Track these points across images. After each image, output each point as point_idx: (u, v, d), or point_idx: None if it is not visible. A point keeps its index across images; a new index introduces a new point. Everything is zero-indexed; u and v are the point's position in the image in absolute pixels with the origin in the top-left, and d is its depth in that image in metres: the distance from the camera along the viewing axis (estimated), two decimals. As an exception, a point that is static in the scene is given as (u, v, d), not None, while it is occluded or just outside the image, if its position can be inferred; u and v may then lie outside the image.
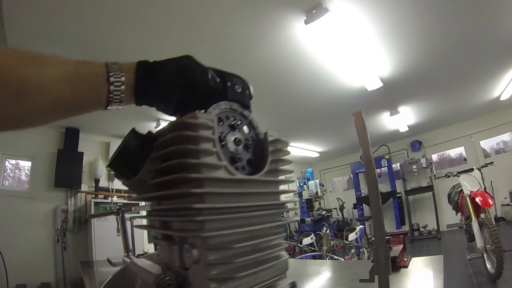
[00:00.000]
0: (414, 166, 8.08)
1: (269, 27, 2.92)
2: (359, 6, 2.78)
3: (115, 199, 4.92)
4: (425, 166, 8.02)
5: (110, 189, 5.11)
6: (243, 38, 3.04)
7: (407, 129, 7.50)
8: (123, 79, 0.49)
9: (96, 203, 4.57)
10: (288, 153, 0.60)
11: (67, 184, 4.62)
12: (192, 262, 0.38)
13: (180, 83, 0.51)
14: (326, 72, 3.91)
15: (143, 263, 0.52)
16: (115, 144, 5.24)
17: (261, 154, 0.55)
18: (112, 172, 0.53)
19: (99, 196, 4.84)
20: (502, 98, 6.32)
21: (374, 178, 0.71)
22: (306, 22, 2.78)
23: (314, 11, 2.67)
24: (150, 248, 4.32)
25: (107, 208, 4.62)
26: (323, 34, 3.00)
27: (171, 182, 0.42)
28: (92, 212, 4.44)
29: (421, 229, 7.61)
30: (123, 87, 0.49)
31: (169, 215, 0.45)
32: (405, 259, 1.50)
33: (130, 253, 1.19)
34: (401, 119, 6.66)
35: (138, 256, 2.81)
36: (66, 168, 4.56)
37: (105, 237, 4.17)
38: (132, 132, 0.48)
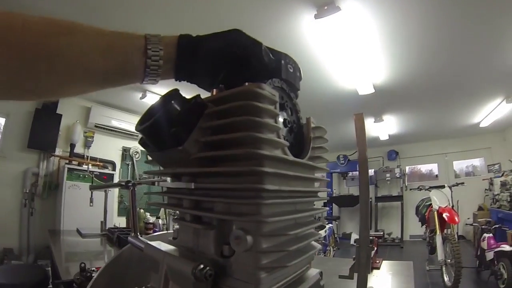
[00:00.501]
0: (388, 175, 8.31)
1: (278, 15, 2.86)
2: (371, 10, 2.78)
3: (90, 167, 4.75)
4: (398, 176, 8.28)
5: (85, 156, 4.93)
6: (248, 23, 2.97)
7: (387, 138, 7.67)
8: (161, 53, 0.47)
9: (69, 169, 4.39)
10: (327, 141, 0.59)
11: (41, 146, 4.38)
12: (244, 249, 0.35)
13: (230, 58, 0.48)
14: (324, 70, 3.90)
15: (165, 248, 0.48)
16: (97, 110, 5.00)
17: (301, 139, 0.53)
18: (141, 138, 0.46)
19: (73, 162, 4.65)
20: (481, 125, 6.60)
21: (366, 180, 0.71)
22: (316, 17, 2.74)
23: (326, 8, 2.64)
24: (120, 221, 4.23)
25: (81, 175, 4.47)
26: (329, 32, 2.98)
27: (222, 157, 0.39)
28: (65, 178, 4.26)
29: (386, 236, 7.88)
30: (161, 61, 0.47)
31: (210, 195, 0.40)
32: (377, 261, 1.56)
33: (138, 234, 1.09)
34: (384, 127, 6.79)
35: (111, 229, 2.75)
36: (41, 129, 4.32)
37: (75, 206, 4.03)
38: (177, 95, 0.44)
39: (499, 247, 3.73)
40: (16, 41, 0.38)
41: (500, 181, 6.04)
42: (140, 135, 0.45)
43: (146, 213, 3.24)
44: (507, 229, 4.64)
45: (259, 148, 0.36)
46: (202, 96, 0.45)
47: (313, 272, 0.49)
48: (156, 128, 0.39)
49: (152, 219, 3.04)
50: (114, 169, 5.34)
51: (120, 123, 5.31)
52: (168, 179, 0.56)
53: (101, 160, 5.13)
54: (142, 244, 0.53)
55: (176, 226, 0.51)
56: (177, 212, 0.49)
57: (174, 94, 0.43)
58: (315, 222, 0.51)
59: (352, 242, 7.59)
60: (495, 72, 4.10)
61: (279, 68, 0.51)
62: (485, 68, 4.00)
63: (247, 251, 0.35)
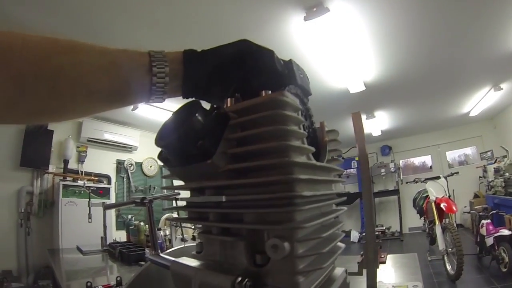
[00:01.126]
0: (383, 170, 8.39)
1: (267, 18, 2.88)
2: (360, 10, 2.83)
3: (84, 182, 4.68)
4: (393, 170, 8.36)
5: (79, 172, 4.87)
6: (238, 25, 2.98)
7: (380, 133, 7.75)
8: (167, 69, 0.45)
9: (65, 186, 4.33)
10: (340, 143, 0.59)
11: (33, 164, 4.32)
12: (282, 256, 0.35)
13: (241, 68, 0.47)
14: (314, 70, 3.92)
15: (193, 263, 0.47)
16: (88, 124, 4.93)
17: (316, 143, 0.53)
18: (160, 152, 0.45)
19: (68, 178, 4.59)
20: (471, 114, 6.73)
21: (368, 177, 0.72)
22: (306, 19, 2.77)
23: (315, 9, 2.67)
24: (119, 235, 4.17)
25: (76, 191, 4.41)
26: (319, 33, 3.01)
27: (250, 168, 0.39)
28: (60, 195, 4.20)
29: (385, 230, 7.94)
30: (167, 78, 0.46)
31: (240, 206, 0.40)
32: (382, 256, 1.57)
33: (159, 251, 1.06)
34: (376, 123, 6.85)
35: (112, 244, 2.71)
36: (33, 147, 4.26)
37: (73, 222, 3.98)
38: (198, 106, 0.43)
39: (498, 232, 3.80)
40: (15, 61, 0.37)
41: (494, 168, 6.13)
42: (159, 150, 0.44)
43: (146, 225, 3.21)
44: (504, 213, 4.72)
45: (289, 156, 0.36)
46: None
47: (339, 271, 0.50)
48: (181, 143, 0.38)
49: (153, 231, 3.02)
50: (109, 183, 5.29)
51: (113, 136, 5.26)
52: (180, 192, 0.55)
53: (96, 175, 5.07)
54: (167, 262, 0.52)
55: (198, 240, 0.50)
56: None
57: (195, 105, 0.42)
58: (338, 223, 0.51)
59: (352, 239, 7.63)
60: (482, 61, 4.18)
61: (292, 75, 0.51)
62: (472, 58, 4.08)
63: (284, 258, 0.35)
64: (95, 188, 4.59)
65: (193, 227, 2.76)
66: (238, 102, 0.46)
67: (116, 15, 2.67)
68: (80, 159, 4.92)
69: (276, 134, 0.37)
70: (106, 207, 2.13)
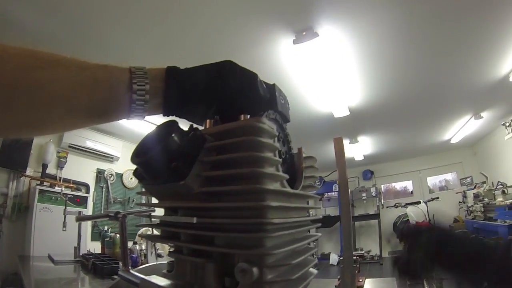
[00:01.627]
0: (364, 194, 8.47)
1: (258, 38, 2.92)
2: (348, 37, 2.91)
3: (61, 189, 4.54)
4: (374, 195, 8.45)
5: (57, 178, 4.73)
6: (228, 44, 3.01)
7: (363, 158, 7.85)
8: (147, 87, 0.44)
9: (41, 191, 4.18)
10: (317, 170, 0.60)
11: (11, 165, 4.14)
12: (250, 281, 0.35)
13: (224, 90, 0.47)
14: (300, 93, 3.98)
15: (162, 282, 0.46)
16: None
17: (292, 169, 0.53)
18: (136, 169, 0.44)
19: (45, 183, 4.45)
20: (452, 141, 6.93)
21: (347, 201, 0.73)
22: (295, 42, 2.82)
23: (304, 33, 2.72)
24: (93, 247, 4.03)
25: (53, 197, 4.27)
26: (307, 57, 3.06)
27: (226, 192, 0.39)
28: (36, 200, 4.05)
29: (365, 254, 7.94)
30: (147, 96, 0.45)
31: (212, 229, 0.39)
32: (360, 280, 1.57)
33: (129, 267, 1.02)
34: (359, 148, 6.95)
35: (86, 256, 2.62)
36: (12, 147, 4.08)
37: (47, 230, 3.82)
38: (176, 127, 0.41)
39: None
40: None
41: (473, 193, 6.28)
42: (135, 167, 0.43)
43: (122, 237, 3.13)
44: (484, 238, 4.77)
45: (262, 183, 0.37)
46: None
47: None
48: (155, 162, 0.38)
49: (129, 245, 2.92)
50: (87, 192, 5.13)
51: (95, 144, 5.16)
52: (156, 209, 0.54)
53: (75, 182, 4.93)
54: (137, 279, 0.50)
55: (169, 258, 0.49)
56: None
57: (172, 126, 0.41)
58: (311, 249, 0.51)
59: (331, 262, 7.61)
60: (464, 90, 4.34)
61: (273, 100, 0.51)
62: (455, 87, 4.23)
63: (253, 283, 0.35)
64: (72, 196, 4.44)
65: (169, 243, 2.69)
66: (217, 124, 0.46)
67: (112, 25, 2.67)
68: (60, 165, 4.79)
69: (250, 160, 0.37)
70: (79, 219, 2.06)
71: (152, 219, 0.51)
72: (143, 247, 2.82)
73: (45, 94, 0.39)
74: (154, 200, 0.55)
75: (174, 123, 0.42)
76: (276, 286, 0.37)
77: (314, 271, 0.52)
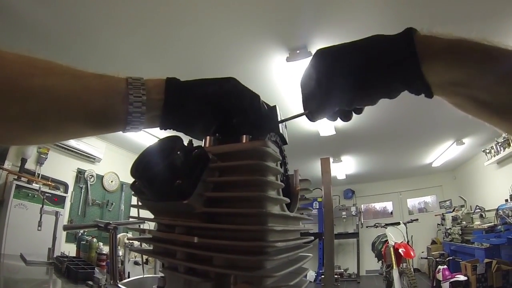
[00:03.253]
0: (344, 213, 8.55)
1: (252, 52, 2.94)
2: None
3: (40, 186, 4.39)
4: (354, 214, 8.56)
5: (36, 174, 4.58)
6: (223, 56, 3.03)
7: (345, 177, 7.96)
8: (144, 98, 0.43)
9: (18, 186, 4.03)
10: (311, 191, 0.60)
11: (-12, 156, 4.03)
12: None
13: (226, 108, 0.46)
14: (289, 109, 3.98)
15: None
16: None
17: (288, 191, 0.54)
18: (134, 183, 0.42)
19: (23, 179, 4.29)
20: (433, 165, 7.12)
21: (331, 220, 0.74)
22: (288, 60, 2.84)
23: (298, 52, 2.76)
24: (68, 249, 3.90)
25: (29, 194, 4.12)
26: (298, 75, 3.07)
27: (228, 213, 0.38)
28: (11, 195, 3.89)
29: (343, 272, 7.97)
30: (144, 107, 0.43)
31: (211, 249, 0.39)
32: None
33: (117, 281, 0.98)
34: (342, 167, 7.03)
35: (60, 258, 2.52)
36: (-10, 140, 3.99)
37: (21, 227, 3.67)
38: (180, 143, 0.40)
39: (454, 277, 3.96)
40: None
41: (452, 216, 6.43)
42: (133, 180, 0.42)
43: (99, 242, 3.02)
44: (461, 260, 4.90)
45: (264, 207, 0.37)
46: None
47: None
48: (159, 179, 0.37)
49: (105, 249, 2.82)
50: (66, 191, 4.98)
51: (78, 143, 5.03)
52: (148, 224, 0.52)
53: (53, 180, 4.78)
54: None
55: (160, 274, 0.48)
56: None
57: (177, 141, 0.40)
58: (305, 270, 0.51)
59: (308, 278, 7.58)
60: (447, 117, 4.45)
61: (275, 121, 0.51)
62: (439, 114, 4.34)
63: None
64: (50, 195, 4.31)
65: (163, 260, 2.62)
66: (217, 142, 0.46)
67: (104, 21, 2.60)
68: (40, 161, 4.63)
69: (255, 183, 0.37)
70: (66, 228, 1.99)
71: (147, 233, 0.49)
72: (120, 253, 2.75)
73: (38, 102, 0.38)
74: (144, 213, 0.54)
75: (179, 139, 0.41)
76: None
77: None
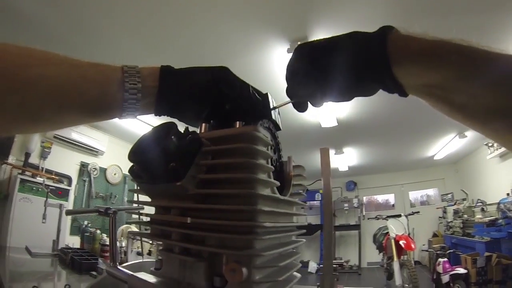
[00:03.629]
0: (346, 205, 8.57)
1: (252, 43, 2.93)
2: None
3: (44, 179, 4.43)
4: (356, 206, 8.59)
5: (40, 168, 4.62)
6: (223, 47, 3.01)
7: (347, 169, 7.92)
8: (139, 85, 0.44)
9: (22, 180, 4.07)
10: (305, 178, 0.62)
11: (-7, 151, 4.07)
12: (239, 281, 0.36)
13: (217, 95, 0.48)
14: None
15: (150, 279, 0.46)
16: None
17: (282, 177, 0.55)
18: (131, 167, 0.44)
19: (27, 173, 4.34)
20: (435, 158, 7.09)
21: (330, 211, 0.76)
22: (289, 51, 2.83)
23: (299, 43, 2.72)
24: (72, 241, 3.95)
25: (34, 188, 4.17)
26: None
27: (219, 195, 0.40)
28: (16, 189, 3.94)
29: (344, 263, 8.02)
30: (139, 94, 0.44)
31: (203, 229, 0.40)
32: (338, 288, 1.60)
33: (117, 263, 1.00)
34: (344, 159, 7.01)
35: (64, 250, 2.57)
36: (-5, 134, 4.01)
37: (26, 220, 3.71)
38: (174, 128, 0.42)
39: (454, 270, 3.98)
40: None
41: (453, 209, 6.44)
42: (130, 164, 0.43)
43: (102, 234, 3.06)
44: (461, 253, 4.94)
45: (254, 188, 0.39)
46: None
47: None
48: (154, 162, 0.39)
49: (108, 241, 2.86)
50: (69, 185, 5.02)
51: (80, 137, 5.06)
52: (146, 208, 0.54)
53: (57, 174, 4.81)
54: (125, 275, 0.51)
55: (158, 256, 0.50)
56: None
57: (171, 127, 0.42)
58: (296, 253, 0.53)
59: (309, 269, 7.65)
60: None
61: (267, 108, 0.52)
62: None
63: (242, 283, 0.36)
64: (54, 188, 4.34)
65: (151, 242, 2.67)
66: (212, 128, 0.48)
67: (106, 18, 2.61)
68: (43, 155, 4.67)
69: (245, 166, 0.39)
70: (68, 212, 2.02)
71: (144, 217, 0.51)
72: (123, 244, 2.78)
73: (36, 92, 0.39)
74: (142, 198, 0.56)
75: (173, 125, 0.42)
76: (263, 286, 0.39)
77: (298, 275, 0.53)
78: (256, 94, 0.53)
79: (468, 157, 7.13)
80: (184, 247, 0.43)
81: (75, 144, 5.09)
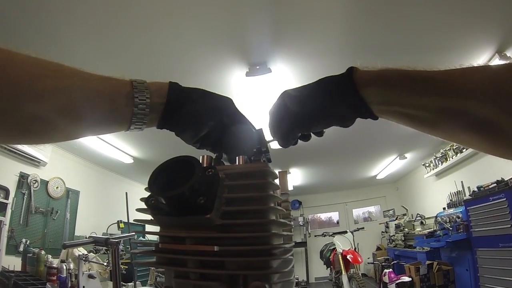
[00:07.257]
0: (292, 223, 8.78)
1: (211, 63, 2.91)
2: (297, 77, 3.09)
3: None
4: (301, 224, 8.92)
5: None
6: (181, 63, 2.97)
7: (292, 188, 8.14)
8: (148, 101, 0.46)
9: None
10: (289, 203, 0.70)
11: None
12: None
13: (217, 123, 0.53)
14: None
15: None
16: None
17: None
18: (149, 197, 0.44)
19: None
20: (378, 177, 7.66)
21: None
22: (247, 75, 2.87)
23: (258, 67, 2.80)
24: (9, 262, 3.58)
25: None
26: (257, 90, 3.15)
27: (240, 224, 0.46)
28: None
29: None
30: (147, 110, 0.46)
31: (223, 255, 0.44)
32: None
33: None
34: (289, 179, 7.12)
35: (5, 273, 2.33)
36: None
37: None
38: (198, 163, 0.43)
39: (399, 279, 4.30)
40: None
41: (395, 224, 6.96)
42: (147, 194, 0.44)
43: (47, 255, 2.83)
44: (404, 263, 5.35)
45: (269, 217, 0.46)
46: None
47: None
48: (184, 198, 0.40)
49: (55, 262, 2.65)
50: (6, 197, 4.54)
51: (22, 145, 4.66)
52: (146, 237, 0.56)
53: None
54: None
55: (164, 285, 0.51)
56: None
57: (195, 161, 0.43)
58: (293, 269, 0.60)
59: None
60: (391, 134, 4.86)
61: (264, 144, 0.59)
62: (384, 131, 4.70)
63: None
64: (-11, 201, 3.94)
65: (104, 263, 2.50)
66: (219, 163, 0.54)
67: (63, 19, 2.45)
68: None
69: (260, 198, 0.46)
70: (65, 246, 1.76)
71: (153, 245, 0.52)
72: (71, 266, 2.60)
73: (49, 104, 0.39)
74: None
75: (195, 159, 0.44)
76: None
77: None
78: (253, 129, 0.59)
79: (407, 176, 7.79)
80: (201, 273, 0.46)
81: (15, 152, 4.59)
